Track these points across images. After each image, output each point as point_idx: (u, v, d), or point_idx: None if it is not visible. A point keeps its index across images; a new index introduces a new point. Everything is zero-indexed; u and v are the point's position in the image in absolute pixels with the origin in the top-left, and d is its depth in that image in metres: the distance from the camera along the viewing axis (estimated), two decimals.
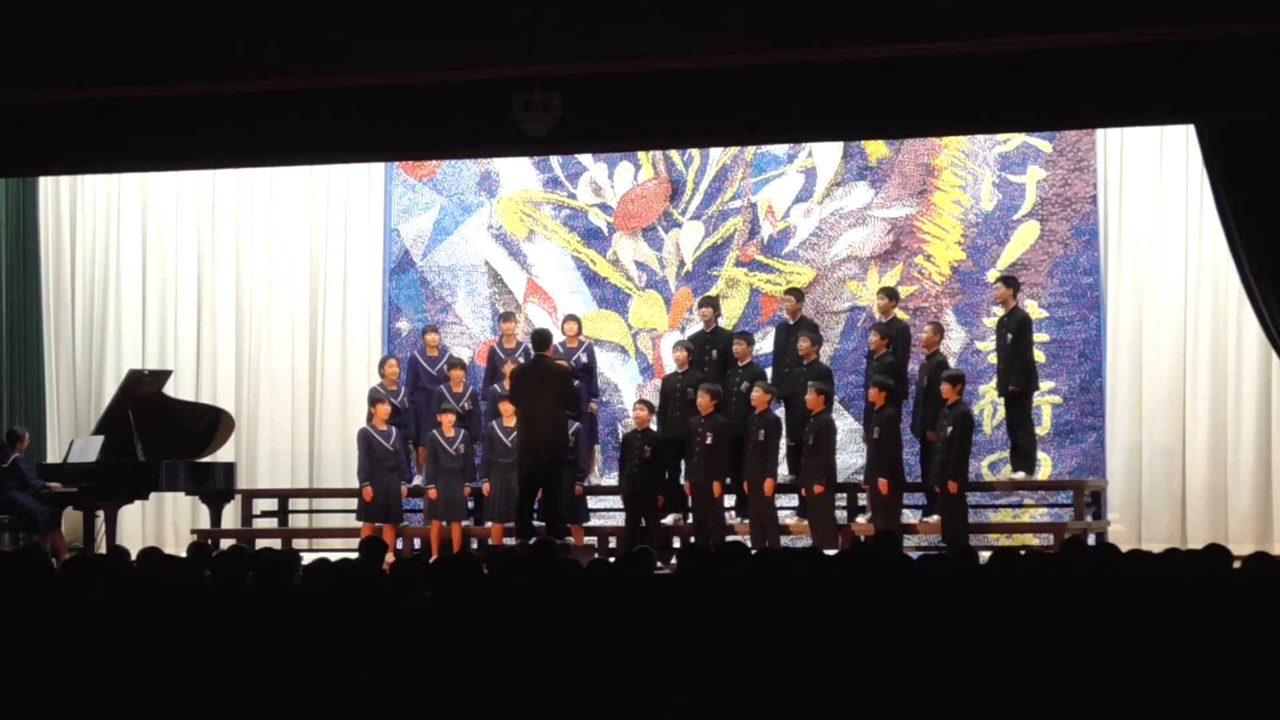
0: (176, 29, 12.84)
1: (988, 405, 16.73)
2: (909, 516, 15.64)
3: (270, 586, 8.22)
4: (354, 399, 18.30)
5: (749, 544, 14.46)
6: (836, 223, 17.45)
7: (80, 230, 19.19)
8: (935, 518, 15.25)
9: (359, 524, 16.33)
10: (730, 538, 14.80)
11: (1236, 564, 8.91)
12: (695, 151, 17.70)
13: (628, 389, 17.91)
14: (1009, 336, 15.60)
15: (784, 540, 15.35)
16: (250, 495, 17.70)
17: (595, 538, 16.11)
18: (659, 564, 11.72)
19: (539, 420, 15.34)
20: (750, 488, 15.43)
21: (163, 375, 17.44)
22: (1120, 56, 12.05)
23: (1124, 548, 9.70)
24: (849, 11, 12.10)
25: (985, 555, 9.55)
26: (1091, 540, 14.77)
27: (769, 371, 16.28)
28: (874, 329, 15.98)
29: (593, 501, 16.49)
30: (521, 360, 16.33)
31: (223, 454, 17.52)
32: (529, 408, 15.41)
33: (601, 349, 17.71)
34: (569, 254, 18.22)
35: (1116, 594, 7.54)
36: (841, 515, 15.69)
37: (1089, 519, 15.69)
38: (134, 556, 9.77)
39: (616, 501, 16.41)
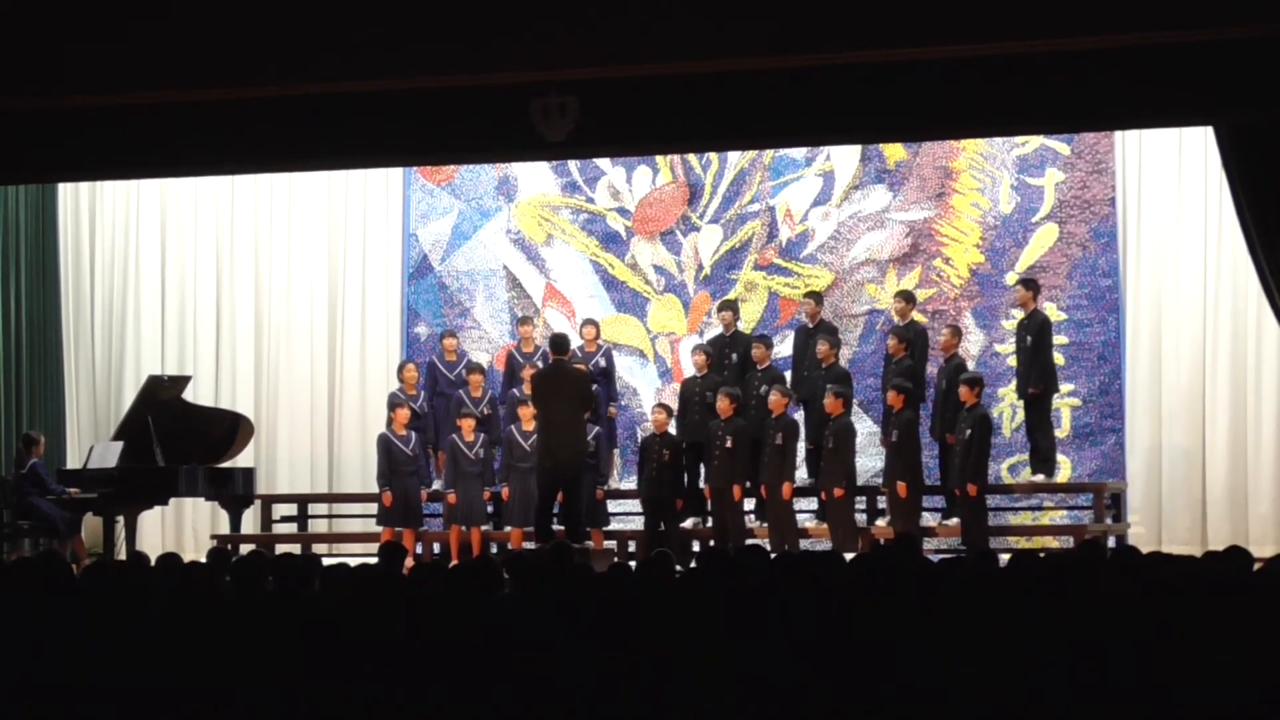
0: (194, 35, 12.87)
1: (1007, 408, 16.72)
2: (928, 519, 15.61)
3: (290, 592, 8.22)
4: (373, 404, 18.32)
5: (768, 547, 14.49)
6: (855, 226, 17.44)
7: (100, 236, 19.24)
8: (955, 520, 15.23)
9: (378, 529, 16.35)
10: (749, 541, 14.79)
11: (1257, 566, 8.89)
12: (713, 155, 17.70)
13: (646, 393, 17.91)
14: (1029, 339, 15.58)
15: (803, 543, 15.36)
16: (270, 500, 17.72)
17: (614, 541, 16.11)
18: (678, 568, 11.70)
19: (558, 424, 15.32)
20: (769, 491, 15.43)
21: (182, 380, 17.46)
22: (1138, 58, 12.02)
23: (1144, 550, 9.66)
24: (865, 15, 12.11)
25: (1005, 558, 9.53)
26: (1112, 543, 14.79)
27: (788, 375, 16.28)
28: (892, 332, 15.97)
29: (612, 505, 16.48)
30: (540, 364, 16.33)
31: (242, 459, 17.52)
32: (548, 411, 15.40)
33: (620, 353, 17.72)
34: (587, 258, 18.22)
35: (1136, 596, 7.52)
36: (861, 518, 15.68)
37: (1109, 521, 15.66)
38: (153, 562, 9.78)
39: (635, 505, 16.41)
